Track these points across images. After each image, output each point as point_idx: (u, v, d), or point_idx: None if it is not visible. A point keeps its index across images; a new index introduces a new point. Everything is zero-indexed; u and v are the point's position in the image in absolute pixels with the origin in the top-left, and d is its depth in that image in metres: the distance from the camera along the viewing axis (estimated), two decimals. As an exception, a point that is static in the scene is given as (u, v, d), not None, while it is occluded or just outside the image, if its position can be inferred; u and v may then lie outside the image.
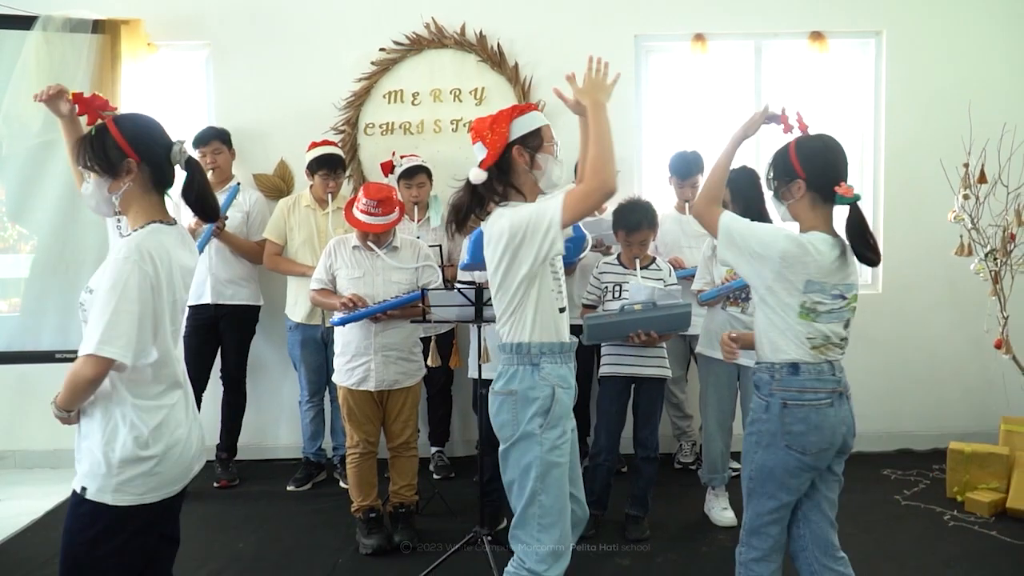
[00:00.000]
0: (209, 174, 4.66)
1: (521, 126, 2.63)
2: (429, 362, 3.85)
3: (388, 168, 4.59)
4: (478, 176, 2.62)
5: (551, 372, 2.55)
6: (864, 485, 4.44)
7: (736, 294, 3.82)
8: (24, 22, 4.54)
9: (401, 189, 4.49)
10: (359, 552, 3.79)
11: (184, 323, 2.36)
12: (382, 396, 3.79)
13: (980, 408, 4.88)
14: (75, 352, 2.11)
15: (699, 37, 4.97)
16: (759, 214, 3.56)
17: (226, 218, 4.54)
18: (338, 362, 3.83)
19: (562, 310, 2.64)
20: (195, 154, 4.68)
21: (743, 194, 3.69)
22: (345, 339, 3.77)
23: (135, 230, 2.20)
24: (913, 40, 5.00)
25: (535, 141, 2.64)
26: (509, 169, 2.64)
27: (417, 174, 4.55)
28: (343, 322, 3.71)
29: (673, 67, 5.15)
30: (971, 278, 4.45)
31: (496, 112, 2.66)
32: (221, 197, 4.56)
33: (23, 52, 4.50)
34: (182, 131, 4.75)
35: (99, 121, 2.24)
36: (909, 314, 5.06)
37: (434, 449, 4.92)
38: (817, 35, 4.96)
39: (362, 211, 3.69)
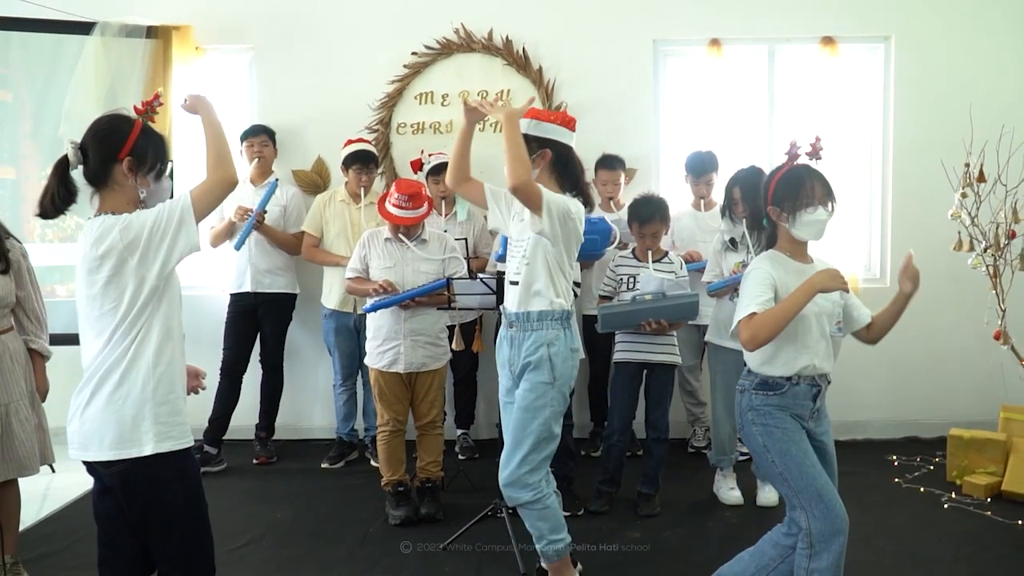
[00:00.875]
0: (254, 164, 4.93)
1: None
2: (453, 346, 4.08)
3: (417, 166, 4.82)
4: None
5: None
6: (868, 469, 4.64)
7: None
8: (84, 28, 4.85)
9: (429, 185, 4.68)
10: (388, 522, 4.03)
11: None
12: (410, 378, 4.03)
13: (984, 397, 4.97)
14: None
15: (715, 42, 5.13)
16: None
17: (265, 212, 4.75)
18: (370, 346, 4.06)
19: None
20: (241, 147, 4.96)
21: (752, 193, 3.83)
22: (376, 324, 4.02)
23: None
24: (920, 45, 5.14)
25: None
26: None
27: (444, 171, 4.74)
28: (375, 308, 3.95)
29: (690, 70, 5.31)
30: (973, 273, 4.59)
31: None
32: (261, 192, 4.82)
33: (83, 55, 4.82)
34: (227, 129, 5.12)
35: None
36: (915, 306, 5.02)
37: (459, 431, 5.13)
38: (828, 40, 5.10)
39: (393, 205, 3.95)
